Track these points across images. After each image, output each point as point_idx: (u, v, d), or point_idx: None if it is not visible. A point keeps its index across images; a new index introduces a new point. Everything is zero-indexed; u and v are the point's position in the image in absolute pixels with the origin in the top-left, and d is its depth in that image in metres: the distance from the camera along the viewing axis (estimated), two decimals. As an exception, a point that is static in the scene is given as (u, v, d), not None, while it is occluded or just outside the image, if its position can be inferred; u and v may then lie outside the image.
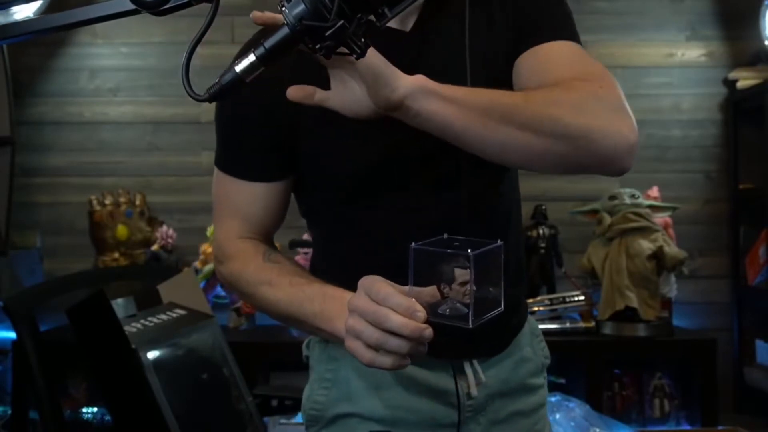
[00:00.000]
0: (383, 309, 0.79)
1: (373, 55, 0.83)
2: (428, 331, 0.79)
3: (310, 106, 0.90)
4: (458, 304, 0.81)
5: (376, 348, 0.81)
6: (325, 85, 0.90)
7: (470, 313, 0.79)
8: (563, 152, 0.88)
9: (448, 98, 0.86)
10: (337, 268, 1.11)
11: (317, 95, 0.89)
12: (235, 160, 1.09)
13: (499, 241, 0.82)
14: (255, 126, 1.05)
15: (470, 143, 0.89)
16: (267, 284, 1.03)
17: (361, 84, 0.86)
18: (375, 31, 0.79)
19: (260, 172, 1.08)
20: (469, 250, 0.78)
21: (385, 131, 0.96)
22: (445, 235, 0.86)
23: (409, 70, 0.87)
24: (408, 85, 0.85)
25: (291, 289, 1.00)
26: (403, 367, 0.82)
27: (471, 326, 0.80)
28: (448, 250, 0.80)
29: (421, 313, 0.79)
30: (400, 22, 1.03)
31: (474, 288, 0.79)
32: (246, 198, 1.09)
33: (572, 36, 1.02)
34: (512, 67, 1.03)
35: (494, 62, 1.04)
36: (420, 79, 0.86)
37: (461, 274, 0.79)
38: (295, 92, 0.89)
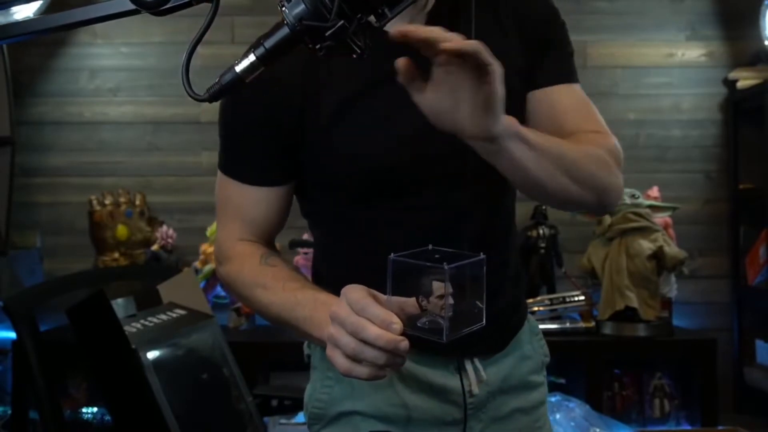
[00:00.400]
0: (361, 319, 0.79)
1: (502, 87, 0.81)
2: (404, 344, 0.78)
3: (316, 107, 0.88)
4: (437, 318, 0.79)
5: (353, 357, 0.81)
6: (330, 88, 0.90)
7: (445, 327, 0.78)
8: (585, 199, 0.98)
9: (532, 144, 0.89)
10: (338, 269, 1.12)
11: (416, 83, 0.82)
12: (238, 163, 1.09)
13: (481, 255, 0.81)
14: (257, 129, 1.06)
15: (530, 185, 0.94)
16: (261, 287, 1.04)
17: (470, 101, 0.81)
18: (375, 31, 0.79)
19: (262, 176, 1.08)
20: (444, 264, 0.77)
21: (389, 133, 0.96)
22: (430, 246, 0.84)
23: None
24: (505, 124, 0.85)
25: (284, 293, 1.00)
26: (380, 378, 0.82)
27: (444, 341, 0.79)
28: (426, 263, 0.79)
29: (397, 325, 0.78)
30: None
31: (451, 302, 0.78)
32: (247, 202, 1.09)
33: (576, 77, 1.11)
34: (520, 76, 1.05)
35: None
36: (512, 120, 0.87)
37: (438, 287, 0.78)
38: (403, 64, 0.81)
